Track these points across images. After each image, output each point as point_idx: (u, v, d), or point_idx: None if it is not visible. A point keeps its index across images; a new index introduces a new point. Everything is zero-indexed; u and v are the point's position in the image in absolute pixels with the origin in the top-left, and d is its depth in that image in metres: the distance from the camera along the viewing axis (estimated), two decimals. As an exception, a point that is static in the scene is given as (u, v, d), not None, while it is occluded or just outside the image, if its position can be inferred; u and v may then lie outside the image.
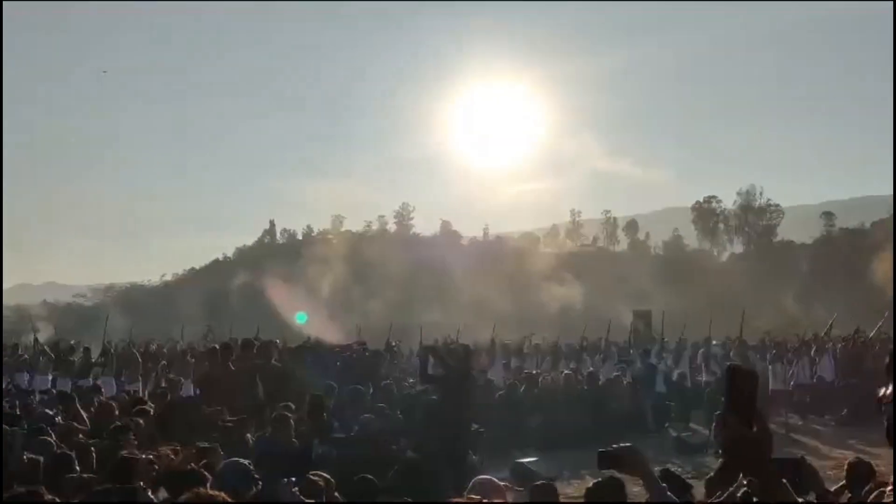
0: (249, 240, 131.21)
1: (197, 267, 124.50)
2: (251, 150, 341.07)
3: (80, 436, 9.03)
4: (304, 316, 15.40)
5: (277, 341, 18.07)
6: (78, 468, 7.21)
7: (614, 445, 3.99)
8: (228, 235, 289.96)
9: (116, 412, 11.65)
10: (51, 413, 11.02)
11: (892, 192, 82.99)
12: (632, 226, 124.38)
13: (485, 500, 5.80)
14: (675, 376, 21.21)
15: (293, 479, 5.23)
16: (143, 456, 5.93)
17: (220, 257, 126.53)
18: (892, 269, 49.41)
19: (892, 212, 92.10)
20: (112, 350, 22.81)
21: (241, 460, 6.16)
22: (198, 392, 13.60)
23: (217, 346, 15.22)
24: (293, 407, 11.89)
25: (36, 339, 23.78)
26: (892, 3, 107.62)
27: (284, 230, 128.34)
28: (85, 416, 11.05)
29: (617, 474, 4.86)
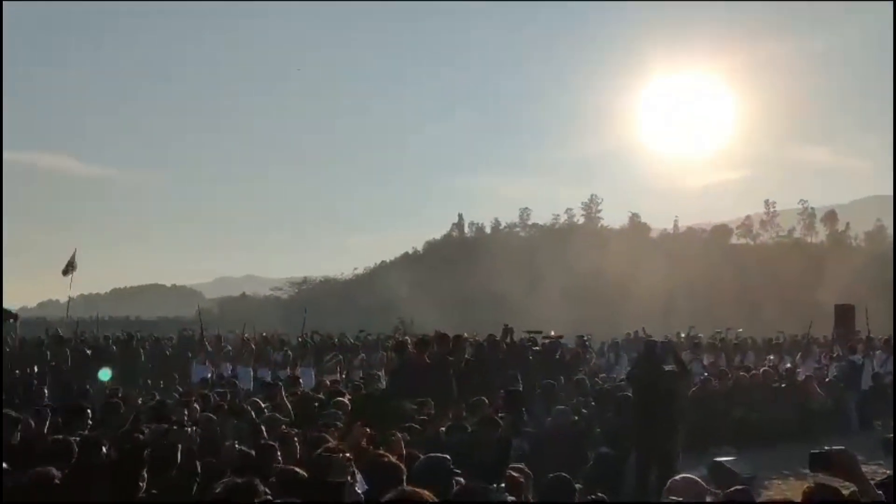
0: (438, 234, 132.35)
1: (388, 260, 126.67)
2: (439, 146, 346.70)
3: (283, 426, 9.30)
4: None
5: (466, 335, 18.08)
6: (280, 458, 7.45)
7: (826, 447, 3.77)
8: (418, 230, 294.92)
9: (316, 403, 12.01)
10: (262, 404, 11.38)
11: None
12: (830, 216, 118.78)
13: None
14: (881, 374, 20.15)
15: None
16: (343, 449, 6.00)
17: (410, 251, 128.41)
18: None
19: None
20: (309, 342, 23.58)
21: (440, 455, 6.17)
22: (390, 384, 13.81)
23: (408, 340, 15.45)
24: (486, 401, 11.95)
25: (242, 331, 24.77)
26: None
27: (472, 224, 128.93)
28: (289, 407, 11.42)
29: (822, 477, 4.62)
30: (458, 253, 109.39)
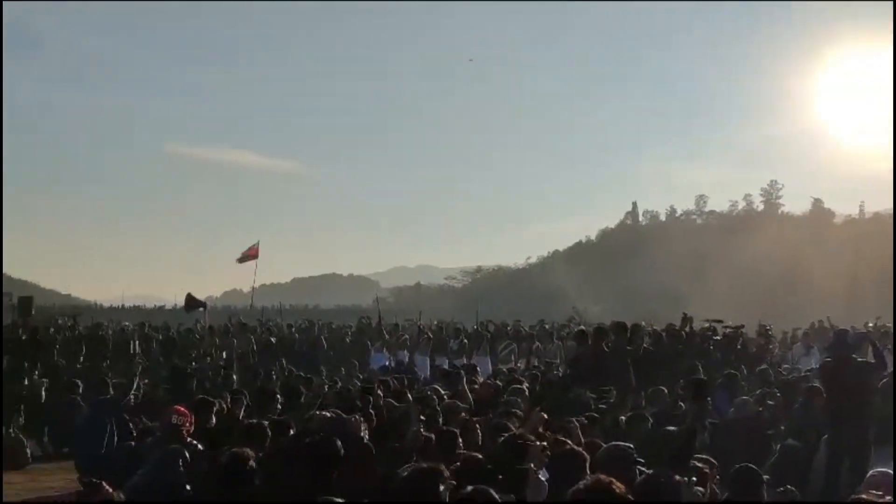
0: (612, 222, 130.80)
1: (560, 249, 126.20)
2: (610, 132, 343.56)
3: (464, 413, 9.39)
4: None
5: (644, 324, 17.79)
6: (462, 445, 7.52)
7: None
8: (591, 218, 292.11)
9: (493, 391, 12.08)
10: (443, 391, 11.52)
11: None
12: None
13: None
14: None
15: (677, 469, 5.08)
16: (534, 439, 6.02)
17: (583, 239, 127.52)
18: None
19: None
20: (486, 331, 23.71)
21: (624, 444, 6.10)
22: (568, 373, 13.75)
23: (584, 329, 15.35)
24: (665, 391, 11.76)
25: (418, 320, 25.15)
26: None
27: (646, 212, 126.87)
28: (469, 395, 11.52)
29: None
30: (631, 241, 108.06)
